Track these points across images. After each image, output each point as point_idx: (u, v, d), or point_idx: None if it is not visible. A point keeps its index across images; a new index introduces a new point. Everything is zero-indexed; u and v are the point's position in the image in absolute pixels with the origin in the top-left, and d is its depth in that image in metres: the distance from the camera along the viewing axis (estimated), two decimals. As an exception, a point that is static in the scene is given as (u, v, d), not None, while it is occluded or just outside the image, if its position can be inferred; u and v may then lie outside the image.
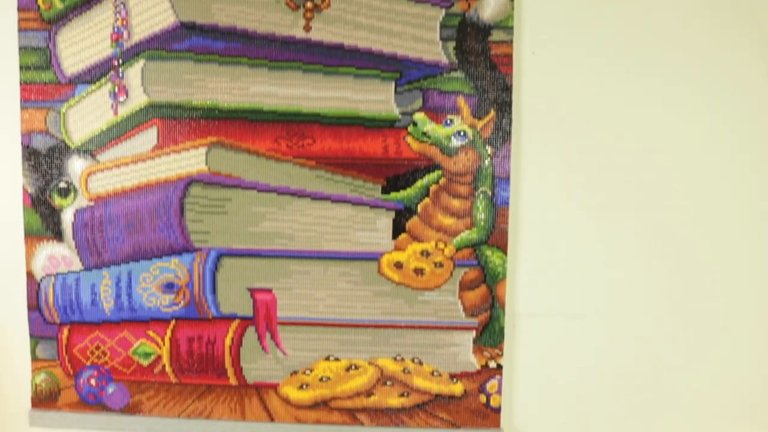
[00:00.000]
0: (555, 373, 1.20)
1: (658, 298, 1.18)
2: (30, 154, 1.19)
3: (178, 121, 1.16)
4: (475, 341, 1.18)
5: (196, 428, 1.21)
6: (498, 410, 1.19)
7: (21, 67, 1.18)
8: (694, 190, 1.16)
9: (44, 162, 1.19)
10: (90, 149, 1.18)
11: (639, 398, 1.20)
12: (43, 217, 1.20)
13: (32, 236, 1.20)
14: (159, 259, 1.18)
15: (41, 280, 1.20)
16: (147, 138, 1.17)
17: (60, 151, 1.18)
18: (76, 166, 1.18)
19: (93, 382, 1.22)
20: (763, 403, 1.20)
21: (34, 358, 1.22)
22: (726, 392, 1.20)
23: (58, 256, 1.20)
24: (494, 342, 1.18)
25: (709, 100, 1.15)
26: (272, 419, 1.20)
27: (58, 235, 1.20)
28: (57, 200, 1.19)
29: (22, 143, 1.19)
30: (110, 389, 1.22)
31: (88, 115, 1.18)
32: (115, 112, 1.18)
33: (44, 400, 1.23)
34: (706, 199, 1.17)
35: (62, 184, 1.19)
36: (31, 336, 1.22)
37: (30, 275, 1.21)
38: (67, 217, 1.19)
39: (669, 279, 1.18)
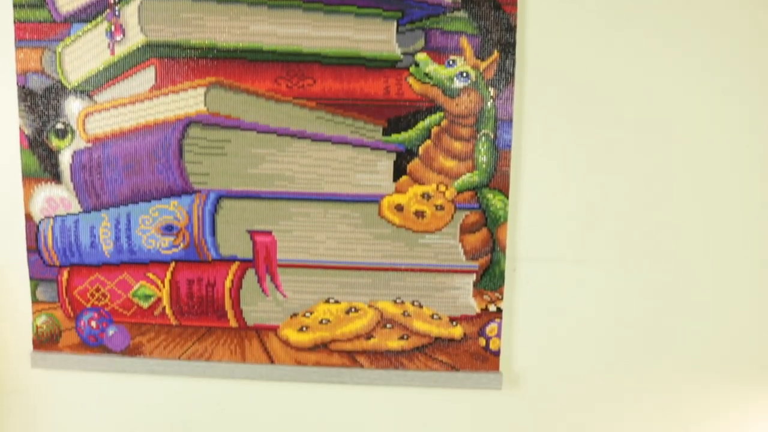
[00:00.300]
0: (555, 317, 1.24)
1: (659, 243, 1.21)
2: (26, 94, 1.21)
3: (176, 60, 1.19)
4: (475, 285, 1.22)
5: (197, 370, 1.25)
6: (497, 354, 1.23)
7: (15, 5, 1.20)
8: (697, 136, 1.19)
9: (41, 103, 1.21)
10: (87, 90, 1.21)
11: (638, 343, 1.24)
12: (40, 159, 1.23)
13: (30, 178, 1.23)
14: (158, 201, 1.22)
15: (40, 222, 1.24)
16: (145, 78, 1.20)
17: (56, 91, 1.21)
18: (73, 106, 1.21)
19: (93, 324, 1.26)
20: (761, 349, 1.24)
21: (35, 301, 1.27)
22: (724, 337, 1.24)
23: (57, 198, 1.24)
24: (494, 286, 1.22)
25: (716, 49, 1.17)
26: (272, 361, 1.25)
27: (56, 177, 1.23)
28: (54, 142, 1.22)
29: (17, 83, 1.21)
30: (111, 331, 1.26)
31: (84, 54, 1.20)
32: (112, 52, 1.20)
33: (45, 342, 1.28)
34: (709, 148, 1.19)
35: (59, 126, 1.22)
36: (31, 278, 1.26)
37: (29, 217, 1.24)
38: (65, 159, 1.22)
39: (670, 225, 1.21)
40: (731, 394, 1.26)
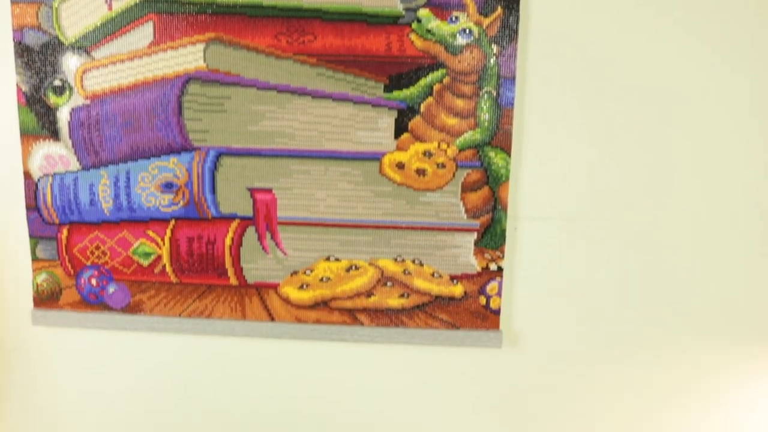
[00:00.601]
0: (555, 276, 1.28)
1: (661, 203, 1.24)
2: (23, 50, 1.24)
3: (175, 16, 1.21)
4: (476, 243, 1.25)
5: (197, 327, 1.30)
6: (497, 312, 1.27)
7: (11, -41, 1.21)
8: (698, 100, 1.21)
9: (38, 59, 1.24)
10: (84, 45, 1.23)
11: (638, 301, 1.28)
12: (38, 116, 1.26)
13: (28, 135, 1.26)
14: (157, 159, 1.25)
15: (39, 180, 1.28)
16: (143, 34, 1.22)
17: (53, 47, 1.23)
18: (70, 63, 1.24)
19: (94, 281, 1.30)
20: (759, 307, 1.28)
21: (35, 258, 1.31)
22: (724, 295, 1.27)
23: (55, 156, 1.27)
24: (495, 244, 1.25)
25: (722, 15, 1.19)
26: (272, 319, 1.29)
27: (55, 134, 1.26)
28: (52, 98, 1.25)
29: (14, 39, 1.24)
30: (111, 289, 1.30)
31: (81, 9, 1.22)
32: (110, 7, 1.22)
33: (46, 299, 1.32)
34: (709, 112, 1.21)
35: (57, 82, 1.24)
36: (31, 236, 1.30)
37: (27, 175, 1.28)
38: (63, 116, 1.25)
39: (672, 184, 1.24)
40: (730, 352, 1.30)
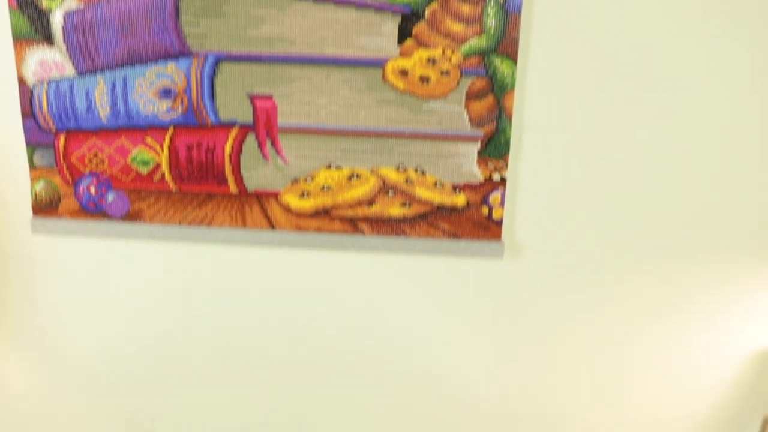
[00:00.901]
0: (559, 187, 1.29)
1: (669, 115, 1.25)
2: (13, -50, 1.22)
3: None
4: (479, 153, 1.27)
5: (197, 234, 1.32)
6: (500, 223, 1.30)
7: None
8: (696, 41, 1.20)
9: (29, -41, 1.22)
10: (77, -56, 1.21)
11: (641, 214, 1.31)
12: (31, 20, 1.25)
13: (21, 40, 1.26)
14: (155, 64, 1.25)
15: (33, 86, 1.28)
16: (138, -68, 1.20)
17: (45, -54, 1.22)
18: (63, -37, 1.22)
19: (93, 190, 1.32)
20: (761, 225, 1.31)
21: (32, 167, 1.32)
22: (726, 213, 1.30)
23: (50, 61, 1.27)
24: (499, 154, 1.26)
25: None
26: (273, 227, 1.32)
27: (49, 39, 1.26)
28: (45, 1, 1.24)
29: (3, -62, 1.22)
30: (110, 197, 1.32)
31: None
32: None
33: (45, 207, 1.34)
34: (722, 21, 1.20)
35: (49, -16, 1.23)
36: (28, 144, 1.31)
37: (22, 81, 1.28)
38: (57, 20, 1.24)
39: (678, 94, 1.24)
40: (731, 265, 1.33)
